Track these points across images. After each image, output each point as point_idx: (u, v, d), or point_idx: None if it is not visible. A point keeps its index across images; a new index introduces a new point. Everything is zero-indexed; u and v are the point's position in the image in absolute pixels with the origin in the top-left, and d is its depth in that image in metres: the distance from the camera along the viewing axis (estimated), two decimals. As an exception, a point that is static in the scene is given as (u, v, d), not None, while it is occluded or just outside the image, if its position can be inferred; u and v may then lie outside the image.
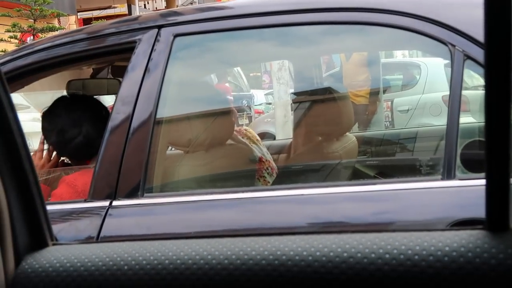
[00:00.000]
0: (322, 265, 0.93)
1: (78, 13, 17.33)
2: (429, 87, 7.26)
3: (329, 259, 0.93)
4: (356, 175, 2.28)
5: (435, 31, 1.46)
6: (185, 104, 2.07)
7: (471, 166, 1.42)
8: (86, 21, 17.41)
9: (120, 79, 2.50)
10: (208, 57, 2.08)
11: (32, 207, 1.02)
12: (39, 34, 12.84)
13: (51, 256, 1.03)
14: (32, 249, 1.04)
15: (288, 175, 2.36)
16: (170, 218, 1.60)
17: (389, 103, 7.26)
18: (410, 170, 2.15)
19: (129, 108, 1.64)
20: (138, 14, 13.85)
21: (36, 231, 1.04)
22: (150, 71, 1.67)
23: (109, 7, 18.51)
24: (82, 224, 1.63)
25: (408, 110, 7.16)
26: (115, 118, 1.66)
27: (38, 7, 12.81)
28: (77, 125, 2.15)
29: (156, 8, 19.80)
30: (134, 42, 1.74)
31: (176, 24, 1.75)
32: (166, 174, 1.82)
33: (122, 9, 18.04)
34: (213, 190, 1.74)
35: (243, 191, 1.61)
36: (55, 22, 14.53)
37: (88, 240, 1.53)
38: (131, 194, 1.58)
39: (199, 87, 2.25)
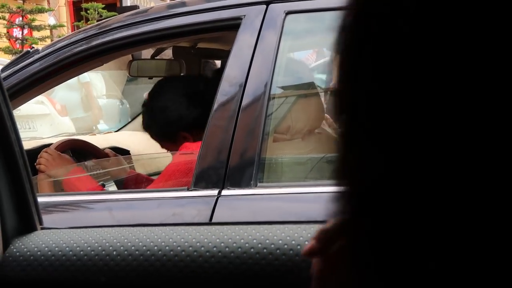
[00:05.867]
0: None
1: (68, -5, 17.11)
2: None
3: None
4: None
5: None
6: (295, 88, 1.90)
7: None
8: (76, 3, 17.24)
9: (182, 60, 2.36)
10: (318, 39, 1.90)
11: (21, 192, 1.03)
12: (28, 15, 12.71)
13: (39, 240, 1.04)
14: (21, 233, 1.05)
15: None
16: (292, 210, 1.47)
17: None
18: None
19: (238, 90, 1.52)
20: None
21: (24, 216, 1.05)
22: (260, 51, 1.55)
23: (101, -11, 18.30)
24: (189, 214, 1.48)
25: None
26: (222, 101, 1.54)
27: (27, -12, 12.68)
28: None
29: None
30: (238, 19, 1.61)
31: (286, 0, 1.61)
32: (277, 162, 1.69)
33: (113, -9, 17.82)
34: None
35: None
36: (45, 4, 14.35)
37: None
38: (243, 183, 1.45)
39: (309, 70, 2.07)
